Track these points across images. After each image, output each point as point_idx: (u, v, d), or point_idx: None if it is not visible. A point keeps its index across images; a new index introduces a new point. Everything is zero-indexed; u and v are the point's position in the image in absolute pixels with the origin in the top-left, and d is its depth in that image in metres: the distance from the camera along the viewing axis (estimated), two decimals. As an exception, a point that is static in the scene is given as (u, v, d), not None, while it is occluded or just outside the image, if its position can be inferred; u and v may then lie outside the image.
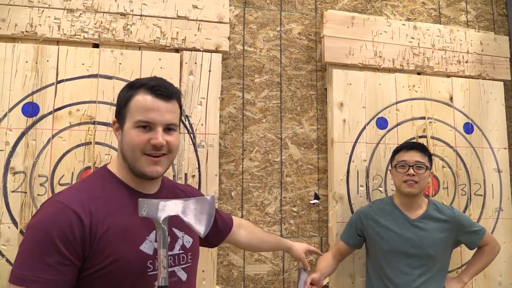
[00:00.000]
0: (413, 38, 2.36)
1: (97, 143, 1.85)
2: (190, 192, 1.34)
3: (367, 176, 2.19)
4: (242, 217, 2.07)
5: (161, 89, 1.10)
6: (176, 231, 1.16)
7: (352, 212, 2.12)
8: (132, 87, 1.13)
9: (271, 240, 1.71)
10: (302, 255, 1.76)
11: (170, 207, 1.03)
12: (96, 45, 1.92)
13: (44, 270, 0.94)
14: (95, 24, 1.90)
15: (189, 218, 1.03)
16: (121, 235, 1.03)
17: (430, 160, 1.90)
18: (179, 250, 1.15)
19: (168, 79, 1.89)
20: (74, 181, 1.81)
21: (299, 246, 1.77)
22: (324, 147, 2.24)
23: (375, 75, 2.26)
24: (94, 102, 1.87)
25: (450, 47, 2.42)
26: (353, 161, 2.17)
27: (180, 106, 1.19)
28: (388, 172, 2.13)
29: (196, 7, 2.03)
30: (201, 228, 1.03)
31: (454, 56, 2.42)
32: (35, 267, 0.94)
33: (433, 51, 2.38)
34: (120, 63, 1.91)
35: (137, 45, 1.95)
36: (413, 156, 1.85)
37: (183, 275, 1.14)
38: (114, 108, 1.86)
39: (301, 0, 2.33)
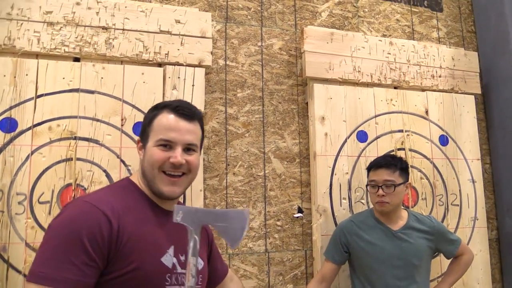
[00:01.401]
0: (389, 53, 2.43)
1: (78, 159, 1.80)
2: None
3: (349, 189, 2.22)
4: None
5: (184, 109, 1.15)
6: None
7: (336, 224, 2.14)
8: (157, 108, 1.17)
9: None
10: None
11: (204, 216, 1.04)
12: (77, 59, 1.89)
13: (68, 269, 0.92)
14: (76, 37, 1.87)
15: (222, 229, 1.03)
16: (144, 245, 1.04)
17: (404, 173, 1.89)
18: None
19: (151, 93, 1.92)
20: (54, 200, 1.75)
21: None
22: (307, 160, 2.26)
23: (354, 89, 2.32)
24: (75, 117, 1.82)
25: (424, 62, 2.51)
26: (335, 174, 2.19)
27: (202, 128, 1.22)
28: (370, 184, 2.17)
29: (179, 22, 2.03)
30: (232, 241, 1.03)
31: (428, 71, 2.52)
32: (59, 265, 0.92)
33: (408, 66, 2.47)
34: (102, 78, 1.88)
35: (119, 59, 1.93)
36: (381, 175, 1.85)
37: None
38: (96, 123, 1.85)
39: (281, 16, 2.37)
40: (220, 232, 1.04)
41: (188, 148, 1.14)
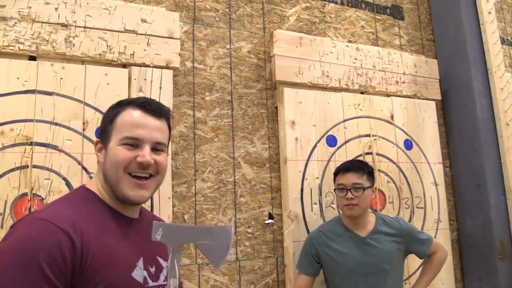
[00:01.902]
0: (356, 59, 2.46)
1: (34, 166, 1.65)
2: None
3: (320, 194, 2.20)
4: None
5: (151, 105, 1.05)
6: (161, 260, 1.06)
7: (308, 230, 2.11)
8: (120, 104, 1.06)
9: None
10: None
11: (186, 233, 0.96)
12: (33, 58, 1.74)
13: None
14: (32, 34, 1.72)
15: (204, 247, 0.95)
16: (112, 260, 0.93)
17: (371, 177, 1.91)
18: (164, 281, 1.05)
19: (116, 96, 1.81)
20: (7, 211, 1.59)
21: None
22: (276, 165, 2.22)
23: (323, 94, 2.31)
24: (32, 120, 1.67)
25: (389, 69, 2.56)
26: (306, 179, 2.17)
27: (169, 127, 1.12)
28: (340, 189, 2.16)
29: (145, 21, 1.93)
30: (216, 260, 0.94)
31: (393, 77, 2.57)
32: None
33: (374, 72, 2.51)
34: (61, 78, 1.74)
35: (80, 58, 1.80)
36: (350, 179, 1.85)
37: None
38: (54, 128, 1.71)
39: (249, 19, 2.32)
40: (202, 251, 0.96)
41: (156, 148, 1.04)
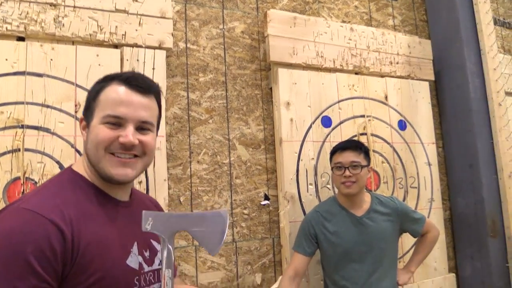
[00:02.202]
0: (351, 39, 2.44)
1: (26, 149, 1.62)
2: (157, 205, 1.23)
3: (315, 174, 2.20)
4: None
5: (137, 80, 0.97)
6: (154, 243, 1.04)
7: (304, 211, 2.11)
8: (105, 80, 0.99)
9: None
10: None
11: (178, 221, 0.93)
12: (21, 39, 1.69)
13: None
14: (20, 14, 1.67)
15: (198, 234, 0.92)
16: (105, 248, 0.88)
17: (367, 157, 1.92)
18: (159, 265, 1.02)
19: None
20: (0, 196, 1.56)
21: None
22: (272, 147, 2.21)
23: (318, 75, 2.29)
24: (22, 103, 1.63)
25: (383, 49, 2.54)
26: (301, 160, 2.17)
27: (159, 105, 1.04)
28: (334, 170, 2.16)
29: (136, 1, 1.88)
30: (211, 246, 0.93)
31: (387, 58, 2.55)
32: None
33: (368, 52, 2.49)
34: (51, 59, 1.69)
35: (70, 39, 1.75)
36: (348, 157, 1.85)
37: None
38: (46, 110, 1.67)
39: (242, -2, 2.28)
40: (197, 238, 0.93)
41: (142, 127, 0.97)
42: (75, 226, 0.84)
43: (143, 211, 0.90)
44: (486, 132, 2.65)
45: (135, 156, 0.97)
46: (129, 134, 0.93)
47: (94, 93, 0.98)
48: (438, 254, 2.53)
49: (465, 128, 2.67)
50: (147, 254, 1.00)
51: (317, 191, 2.19)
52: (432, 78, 2.76)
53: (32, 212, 0.81)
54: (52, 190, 0.91)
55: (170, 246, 0.89)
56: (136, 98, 0.95)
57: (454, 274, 2.63)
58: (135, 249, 0.95)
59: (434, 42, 2.84)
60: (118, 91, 0.95)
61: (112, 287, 0.88)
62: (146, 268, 0.98)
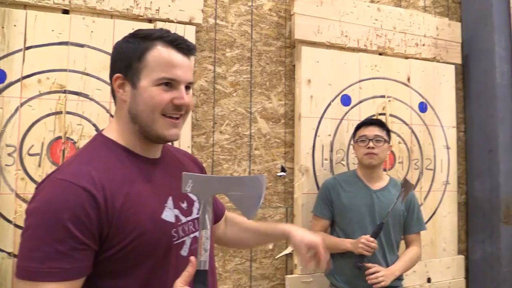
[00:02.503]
0: (377, 20, 2.47)
1: (68, 112, 1.82)
2: (189, 157, 1.26)
3: (331, 150, 2.31)
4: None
5: (183, 43, 0.99)
6: (191, 194, 1.04)
7: (317, 184, 2.24)
8: (146, 38, 0.98)
9: (263, 226, 1.38)
10: (301, 249, 1.16)
11: (217, 184, 0.96)
12: (66, 11, 1.86)
13: (57, 259, 0.83)
14: (65, -11, 1.84)
15: (236, 198, 0.94)
16: (140, 207, 0.93)
17: (389, 135, 2.05)
18: (197, 214, 1.05)
19: None
20: (44, 152, 1.78)
21: (300, 237, 1.18)
22: (291, 122, 2.33)
23: (341, 54, 2.36)
24: (65, 70, 1.82)
25: (409, 30, 2.56)
26: (318, 136, 2.28)
27: None
28: (351, 146, 2.26)
29: (170, -22, 2.01)
30: (248, 210, 0.94)
31: (413, 39, 2.58)
32: (46, 256, 0.82)
33: (394, 33, 2.52)
34: (92, 31, 1.87)
35: (109, 13, 1.91)
36: (372, 131, 2.00)
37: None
38: (85, 77, 1.85)
39: (272, -24, 2.36)
40: (234, 202, 0.94)
41: (187, 87, 1.01)
42: (107, 191, 0.89)
43: (183, 173, 0.93)
44: (509, 119, 2.65)
45: (181, 115, 1.01)
46: (184, 96, 0.97)
47: (138, 53, 0.97)
48: (448, 236, 2.61)
49: (488, 114, 2.68)
50: (184, 205, 1.03)
51: (331, 166, 2.31)
52: (459, 61, 2.76)
53: (66, 181, 0.88)
54: (84, 158, 0.96)
55: (209, 209, 0.91)
56: (185, 60, 0.99)
57: (463, 256, 2.70)
58: (169, 203, 0.99)
59: (465, 25, 2.82)
60: (170, 54, 0.97)
61: (151, 241, 0.93)
62: (184, 219, 1.02)
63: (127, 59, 0.97)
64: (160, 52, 0.96)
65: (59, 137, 1.81)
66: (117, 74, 0.99)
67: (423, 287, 2.49)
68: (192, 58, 1.04)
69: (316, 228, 2.07)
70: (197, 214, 1.05)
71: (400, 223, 2.03)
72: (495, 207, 2.63)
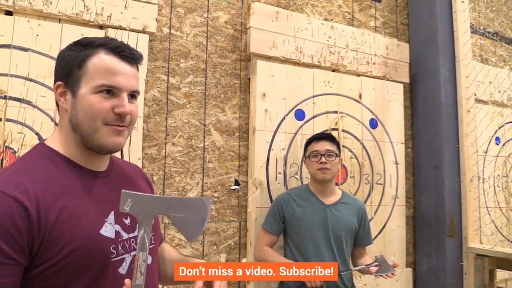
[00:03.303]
0: (330, 37, 2.54)
1: (8, 120, 1.71)
2: (138, 171, 1.22)
3: (285, 164, 2.32)
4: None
5: (126, 50, 0.96)
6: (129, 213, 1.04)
7: (271, 197, 2.23)
8: (88, 46, 0.95)
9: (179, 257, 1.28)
10: None
11: (158, 205, 0.92)
12: (9, 13, 1.76)
13: None
14: (9, -11, 1.74)
15: (178, 220, 0.90)
16: (76, 220, 0.88)
17: (339, 149, 2.08)
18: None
19: None
20: (-21, 160, 1.65)
21: None
22: (246, 135, 2.32)
23: (295, 69, 2.40)
24: (6, 75, 1.71)
25: (361, 49, 2.65)
26: (272, 149, 2.28)
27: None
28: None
29: (123, -16, 1.96)
30: (190, 233, 0.91)
31: (364, 58, 2.66)
32: None
33: (346, 51, 2.59)
34: (37, 35, 1.77)
35: (57, 17, 1.83)
36: (324, 146, 2.02)
37: (148, 259, 0.98)
38: (29, 83, 1.75)
39: (228, -11, 2.36)
40: (176, 224, 0.90)
41: (132, 95, 0.97)
42: (41, 202, 0.84)
43: (122, 191, 0.88)
44: (453, 136, 2.78)
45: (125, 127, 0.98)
46: (125, 104, 0.94)
47: (78, 60, 0.94)
48: (397, 249, 2.67)
49: (434, 131, 2.80)
50: (127, 221, 1.00)
51: (285, 180, 2.31)
52: (407, 80, 2.88)
53: None
54: (19, 167, 0.91)
55: (147, 229, 0.87)
56: (127, 68, 0.96)
57: (411, 269, 2.78)
58: (111, 218, 0.95)
59: (412, 45, 2.96)
60: (110, 60, 0.94)
61: (86, 257, 0.88)
62: (126, 235, 0.98)
63: (67, 66, 0.95)
64: (101, 59, 0.94)
65: (-3, 146, 1.69)
66: (58, 82, 0.97)
67: (373, 300, 2.53)
68: (138, 66, 1.01)
69: (263, 241, 2.05)
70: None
71: (352, 237, 2.05)
72: (441, 220, 2.74)
